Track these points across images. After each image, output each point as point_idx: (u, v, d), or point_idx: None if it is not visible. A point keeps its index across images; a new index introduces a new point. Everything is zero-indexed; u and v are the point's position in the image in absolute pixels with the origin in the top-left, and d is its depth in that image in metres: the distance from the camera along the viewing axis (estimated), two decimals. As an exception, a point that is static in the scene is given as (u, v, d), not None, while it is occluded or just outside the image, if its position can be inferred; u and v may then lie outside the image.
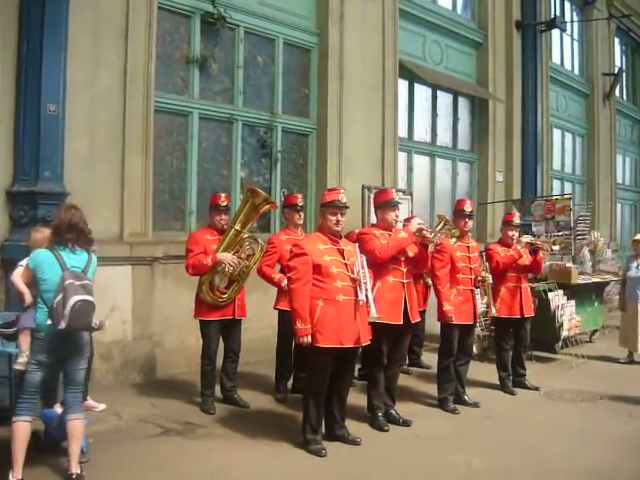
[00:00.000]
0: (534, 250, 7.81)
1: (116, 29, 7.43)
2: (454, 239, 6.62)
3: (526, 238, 8.12)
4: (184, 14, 8.46)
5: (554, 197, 12.76)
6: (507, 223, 7.96)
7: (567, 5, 16.40)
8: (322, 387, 5.42)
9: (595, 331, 11.09)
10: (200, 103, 8.62)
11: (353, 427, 5.81)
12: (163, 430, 5.87)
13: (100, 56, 7.28)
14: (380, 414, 6.13)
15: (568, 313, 9.68)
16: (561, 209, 11.37)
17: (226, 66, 9.00)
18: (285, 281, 6.66)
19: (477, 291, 7.31)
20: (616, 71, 18.03)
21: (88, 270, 4.68)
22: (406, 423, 6.22)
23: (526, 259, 7.77)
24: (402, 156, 11.56)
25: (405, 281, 6.08)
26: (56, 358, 4.62)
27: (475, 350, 8.13)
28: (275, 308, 7.00)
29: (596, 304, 10.89)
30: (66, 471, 4.57)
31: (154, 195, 7.90)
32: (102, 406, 6.28)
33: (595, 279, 11.16)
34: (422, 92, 12.26)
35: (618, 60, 19.21)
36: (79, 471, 4.56)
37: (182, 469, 5.00)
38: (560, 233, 11.08)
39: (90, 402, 6.26)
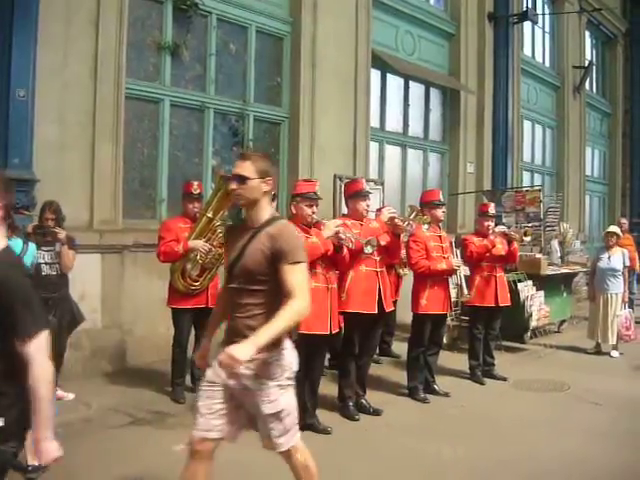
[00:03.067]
0: (508, 240, 7.89)
1: (87, 14, 7.32)
2: (426, 225, 6.66)
3: (500, 228, 8.21)
4: (156, 0, 8.36)
5: (524, 188, 12.88)
6: (483, 214, 8.03)
7: (539, -2, 16.53)
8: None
9: (563, 321, 11.23)
10: (171, 90, 8.53)
11: (324, 416, 5.83)
12: (133, 419, 5.84)
13: (71, 42, 7.18)
14: (351, 403, 6.16)
15: (537, 303, 9.80)
16: (531, 200, 11.50)
17: (198, 53, 8.91)
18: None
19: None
20: (586, 64, 18.20)
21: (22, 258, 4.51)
22: (377, 412, 6.26)
23: (501, 249, 7.83)
24: (374, 146, 11.57)
25: (379, 270, 6.08)
26: None
27: (445, 340, 8.19)
28: (246, 297, 6.96)
29: (565, 295, 11.02)
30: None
31: (124, 183, 7.83)
32: (71, 395, 6.24)
33: (564, 270, 11.30)
34: (394, 82, 12.26)
35: (588, 53, 19.39)
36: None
37: (152, 458, 4.97)
38: (530, 224, 11.19)
39: (59, 392, 6.21)
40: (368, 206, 6.21)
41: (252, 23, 9.50)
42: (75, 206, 7.12)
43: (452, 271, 6.97)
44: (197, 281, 6.36)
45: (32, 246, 4.66)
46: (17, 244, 4.51)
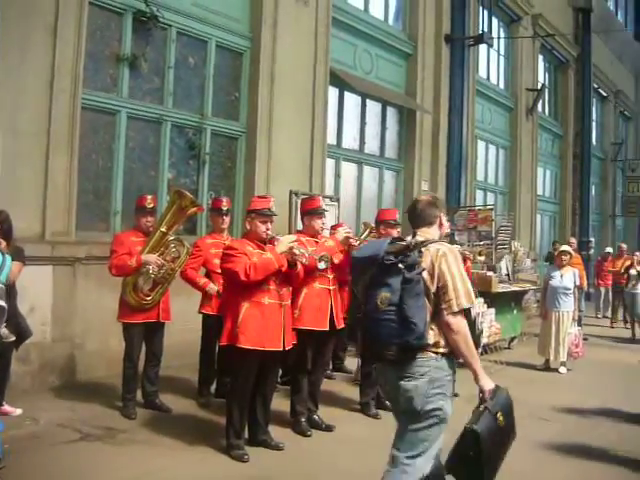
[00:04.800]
0: (462, 259, 8.00)
1: (44, 24, 7.23)
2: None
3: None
4: (116, 11, 8.30)
5: (477, 207, 13.07)
6: None
7: (495, 21, 16.81)
8: (246, 391, 5.42)
9: (514, 338, 11.41)
10: (129, 102, 8.48)
11: (276, 432, 5.83)
12: (82, 435, 5.75)
13: (27, 51, 7.08)
14: (303, 419, 6.17)
15: (488, 320, 9.94)
16: (483, 219, 11.69)
17: (157, 66, 8.89)
18: (210, 285, 6.67)
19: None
20: (539, 87, 18.61)
21: (1, 272, 4.52)
22: (329, 428, 6.28)
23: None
24: (330, 163, 11.64)
25: (331, 287, 6.15)
26: None
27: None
28: (199, 312, 6.95)
29: (515, 312, 11.20)
30: None
31: (78, 194, 7.72)
32: (19, 411, 6.13)
33: (514, 288, 11.49)
34: (352, 100, 12.37)
35: (541, 76, 19.83)
36: None
37: (101, 475, 4.92)
38: (482, 243, 11.37)
39: (6, 407, 6.09)
40: (324, 224, 6.28)
41: (212, 37, 9.51)
42: (27, 217, 7.02)
43: None
44: (149, 295, 6.31)
45: (8, 258, 4.66)
46: None
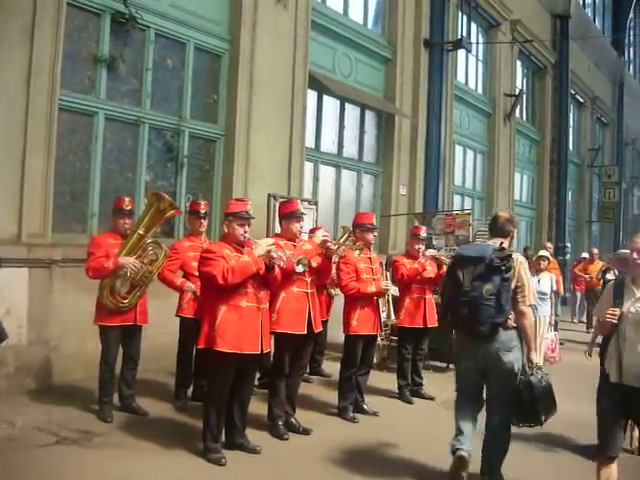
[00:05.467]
0: (438, 264, 8.06)
1: (22, 24, 7.16)
2: (358, 251, 6.72)
3: (430, 252, 8.37)
4: (94, 12, 8.25)
5: (455, 212, 13.12)
6: (414, 236, 8.22)
7: (473, 27, 16.92)
8: (223, 394, 5.41)
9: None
10: (106, 104, 8.43)
11: (253, 435, 5.82)
12: (58, 439, 5.70)
13: (3, 51, 7.01)
14: (280, 423, 6.16)
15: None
16: (461, 224, 11.71)
17: (135, 67, 8.84)
18: (187, 284, 6.64)
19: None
20: (517, 93, 18.75)
21: None
22: (306, 432, 6.28)
23: (430, 271, 7.99)
24: (308, 166, 11.65)
25: (309, 291, 6.15)
26: None
27: (375, 359, 8.27)
28: (177, 315, 6.93)
29: (492, 316, 11.22)
30: None
31: (55, 196, 7.66)
32: (-7, 413, 6.08)
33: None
34: (330, 104, 12.40)
35: (519, 82, 19.99)
36: None
37: (77, 479, 4.89)
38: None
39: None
40: (301, 227, 6.28)
41: (190, 39, 9.49)
42: (3, 219, 6.97)
43: (381, 293, 7.07)
44: (126, 298, 6.26)
45: None
46: None
